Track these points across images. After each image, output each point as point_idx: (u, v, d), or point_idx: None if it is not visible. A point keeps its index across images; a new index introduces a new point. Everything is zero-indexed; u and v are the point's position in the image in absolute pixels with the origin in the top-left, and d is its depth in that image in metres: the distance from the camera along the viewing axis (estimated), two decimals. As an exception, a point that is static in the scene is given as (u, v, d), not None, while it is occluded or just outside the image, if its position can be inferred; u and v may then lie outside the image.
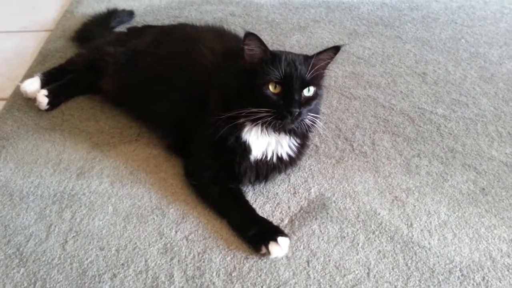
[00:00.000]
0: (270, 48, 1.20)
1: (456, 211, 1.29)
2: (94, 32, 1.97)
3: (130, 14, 2.23)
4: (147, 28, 1.86)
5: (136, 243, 1.18)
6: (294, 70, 1.16)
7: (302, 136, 1.31)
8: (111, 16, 2.12)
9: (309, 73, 1.16)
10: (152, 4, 2.41)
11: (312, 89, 1.19)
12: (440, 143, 1.52)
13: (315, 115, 1.22)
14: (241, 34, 1.95)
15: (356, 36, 2.15)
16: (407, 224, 1.24)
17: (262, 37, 1.90)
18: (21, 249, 1.17)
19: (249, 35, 1.15)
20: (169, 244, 1.18)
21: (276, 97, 1.16)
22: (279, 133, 1.24)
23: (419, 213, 1.28)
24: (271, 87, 1.16)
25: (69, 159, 1.45)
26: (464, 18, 2.31)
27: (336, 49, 1.20)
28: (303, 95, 1.18)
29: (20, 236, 1.20)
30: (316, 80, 1.20)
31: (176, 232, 1.21)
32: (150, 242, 1.18)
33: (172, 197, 1.31)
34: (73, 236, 1.20)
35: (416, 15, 2.33)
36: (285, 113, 1.15)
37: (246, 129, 1.24)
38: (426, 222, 1.25)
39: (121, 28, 2.09)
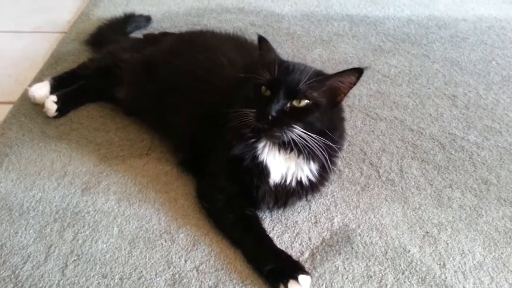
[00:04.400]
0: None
1: (493, 252, 1.17)
2: (109, 36, 1.90)
3: (147, 19, 2.17)
4: (164, 35, 1.79)
5: (142, 271, 1.08)
6: (286, 77, 1.08)
7: (324, 161, 1.19)
8: (128, 20, 2.05)
9: (304, 84, 1.06)
10: (170, 10, 2.34)
11: (304, 101, 1.07)
12: (473, 173, 1.41)
13: (310, 133, 1.07)
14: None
15: (382, 53, 2.04)
16: (440, 264, 1.13)
17: (283, 50, 1.83)
18: (16, 272, 1.07)
19: (262, 39, 1.17)
20: (177, 275, 1.07)
21: (264, 100, 1.07)
22: (266, 140, 1.14)
23: (452, 252, 1.16)
24: (263, 90, 1.09)
25: (75, 172, 1.36)
26: (494, 39, 2.20)
27: (358, 72, 1.09)
28: (290, 104, 1.07)
29: (17, 257, 1.11)
30: (316, 94, 1.08)
31: (185, 261, 1.11)
32: (157, 271, 1.08)
33: (183, 220, 1.21)
34: (74, 260, 1.11)
35: (444, 33, 2.23)
36: (261, 115, 1.06)
37: (261, 147, 1.14)
38: (460, 262, 1.14)
39: (138, 34, 2.02)
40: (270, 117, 1.05)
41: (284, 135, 1.07)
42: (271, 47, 1.20)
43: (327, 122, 1.11)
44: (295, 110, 1.08)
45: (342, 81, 1.10)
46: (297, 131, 1.06)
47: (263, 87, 1.10)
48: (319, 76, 1.10)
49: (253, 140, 1.13)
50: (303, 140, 1.07)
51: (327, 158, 1.13)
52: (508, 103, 1.74)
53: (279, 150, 1.14)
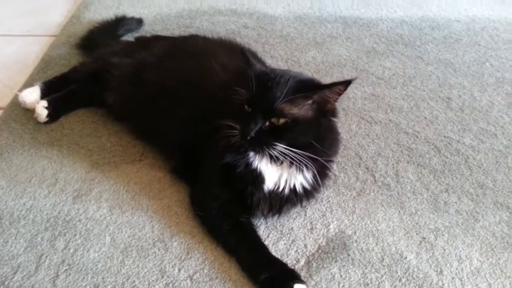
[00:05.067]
0: (285, 64, 1.11)
1: (490, 257, 1.16)
2: (100, 39, 1.88)
3: (139, 22, 2.14)
4: (156, 38, 1.76)
5: (134, 281, 1.06)
6: (263, 95, 1.05)
7: (319, 169, 1.17)
8: (119, 23, 2.02)
9: (281, 101, 1.03)
10: (162, 12, 2.31)
11: (282, 120, 1.05)
12: (469, 177, 1.40)
13: (293, 149, 1.05)
14: (255, 48, 1.88)
15: (375, 55, 2.03)
16: (437, 271, 1.11)
17: (276, 52, 1.80)
18: (6, 282, 1.05)
19: (242, 51, 1.18)
20: (171, 285, 1.06)
21: (246, 117, 1.06)
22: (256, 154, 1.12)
23: (449, 258, 1.15)
24: (246, 107, 1.07)
25: (66, 179, 1.33)
26: (487, 40, 2.20)
27: (347, 83, 1.05)
28: (269, 123, 1.05)
29: (6, 267, 1.09)
30: (296, 110, 1.05)
31: (179, 270, 1.09)
32: (150, 281, 1.06)
33: (176, 228, 1.20)
34: (65, 269, 1.08)
35: (438, 35, 2.22)
36: (243, 134, 1.05)
37: (252, 155, 1.12)
38: (457, 269, 1.13)
39: (129, 37, 1.99)
40: (248, 138, 1.04)
41: (267, 152, 1.06)
42: (246, 57, 1.16)
43: (313, 134, 1.08)
44: (275, 128, 1.05)
45: (331, 92, 1.06)
46: (279, 148, 1.05)
47: (245, 105, 1.08)
48: (306, 87, 1.07)
49: (243, 149, 1.12)
50: (287, 155, 1.06)
51: (315, 168, 1.12)
52: (503, 105, 1.73)
53: (270, 161, 1.12)
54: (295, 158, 1.07)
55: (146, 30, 2.11)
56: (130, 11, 2.25)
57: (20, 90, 1.62)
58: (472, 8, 2.48)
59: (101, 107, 1.59)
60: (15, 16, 2.33)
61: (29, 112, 1.57)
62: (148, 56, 1.52)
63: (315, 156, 1.09)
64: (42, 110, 1.52)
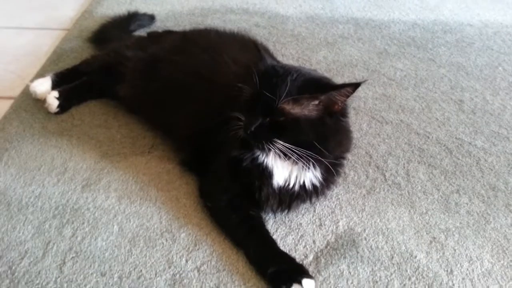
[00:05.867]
0: (296, 63, 1.11)
1: (501, 259, 1.14)
2: (112, 34, 1.88)
3: (151, 18, 2.15)
4: (168, 33, 1.76)
5: (141, 270, 1.05)
6: (267, 91, 1.02)
7: (329, 166, 1.15)
8: (131, 19, 2.03)
9: (283, 100, 1.01)
10: (174, 9, 2.32)
11: (283, 118, 1.03)
12: (480, 179, 1.38)
13: (293, 146, 1.04)
14: (265, 46, 1.87)
15: (387, 56, 2.02)
16: (447, 271, 1.10)
17: (287, 51, 1.80)
18: (13, 267, 1.05)
19: (254, 44, 1.18)
20: (178, 275, 1.05)
21: (250, 111, 1.06)
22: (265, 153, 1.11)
23: (459, 258, 1.13)
24: (250, 101, 1.08)
25: (75, 168, 1.33)
26: (500, 44, 2.18)
27: (356, 85, 1.03)
28: (270, 119, 1.04)
29: (14, 252, 1.08)
30: (298, 110, 1.03)
31: (186, 261, 1.08)
32: (157, 271, 1.05)
33: (184, 220, 1.19)
34: (73, 257, 1.08)
35: (450, 38, 2.21)
36: (245, 127, 1.05)
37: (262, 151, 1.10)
38: (468, 269, 1.11)
39: (141, 32, 2.00)
40: (249, 132, 1.04)
41: (267, 148, 1.05)
42: (259, 50, 1.16)
43: (316, 135, 1.06)
44: (276, 124, 1.04)
45: (339, 94, 1.04)
46: (279, 145, 1.04)
47: (250, 100, 1.07)
48: (313, 87, 1.04)
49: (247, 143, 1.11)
50: (288, 153, 1.05)
51: (323, 167, 1.12)
52: (515, 109, 1.72)
53: (276, 157, 1.11)
54: (298, 156, 1.06)
55: (158, 26, 2.11)
56: (143, 8, 2.25)
57: (32, 81, 1.62)
58: (485, 13, 2.47)
59: (112, 99, 1.59)
60: (28, 9, 2.34)
61: (40, 102, 1.58)
62: (161, 50, 1.52)
63: (316, 156, 1.07)
64: (53, 100, 1.52)
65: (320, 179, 1.16)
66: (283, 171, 1.13)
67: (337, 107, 1.08)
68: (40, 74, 1.73)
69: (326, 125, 1.08)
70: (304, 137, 1.05)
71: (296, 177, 1.14)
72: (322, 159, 1.09)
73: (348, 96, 1.05)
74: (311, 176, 1.15)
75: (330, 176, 1.19)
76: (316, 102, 1.05)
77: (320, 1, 2.50)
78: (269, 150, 1.07)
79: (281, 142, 1.04)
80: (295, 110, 1.03)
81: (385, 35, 2.20)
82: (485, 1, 2.60)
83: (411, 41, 2.16)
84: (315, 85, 1.06)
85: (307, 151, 1.05)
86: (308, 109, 1.04)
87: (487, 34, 2.27)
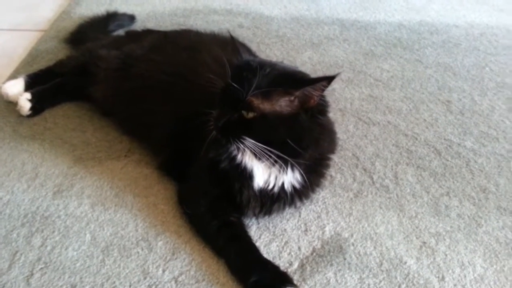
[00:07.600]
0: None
1: (494, 264, 1.10)
2: (89, 34, 1.82)
3: (131, 18, 2.09)
4: (148, 32, 1.70)
5: (115, 282, 0.99)
6: (236, 85, 0.97)
7: (311, 167, 1.11)
8: (110, 19, 1.97)
9: (251, 94, 0.96)
10: (156, 10, 2.26)
11: (251, 113, 0.98)
12: (470, 181, 1.34)
13: (262, 144, 0.98)
14: (249, 47, 1.82)
15: (373, 57, 1.98)
16: (438, 277, 1.05)
17: (272, 52, 1.75)
18: (-25, 281, 0.97)
19: (231, 38, 1.15)
20: (154, 287, 0.98)
21: (220, 106, 1.02)
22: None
23: (451, 263, 1.09)
24: (220, 96, 1.03)
25: (47, 173, 1.26)
26: (487, 45, 2.16)
27: (330, 78, 0.97)
28: (238, 115, 0.99)
29: (-23, 264, 1.01)
30: (267, 106, 0.98)
31: (163, 271, 1.02)
32: (132, 282, 0.99)
33: (162, 227, 1.12)
34: (41, 268, 1.01)
35: (436, 39, 2.18)
36: (213, 122, 1.01)
37: (234, 149, 1.05)
38: (460, 275, 1.06)
39: (120, 33, 1.93)
40: (218, 128, 0.99)
41: (235, 145, 1.00)
42: (234, 43, 1.14)
43: (288, 132, 1.00)
44: (244, 120, 0.98)
45: (313, 89, 0.98)
46: (247, 143, 0.99)
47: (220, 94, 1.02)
48: (287, 82, 0.99)
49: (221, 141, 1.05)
50: (259, 152, 0.99)
51: (302, 168, 1.06)
52: (503, 110, 1.68)
53: (253, 157, 1.05)
54: (271, 156, 1.00)
55: (139, 27, 2.05)
56: (123, 8, 2.19)
57: (3, 83, 1.55)
58: (471, 14, 2.45)
59: (87, 101, 1.52)
60: (5, 11, 2.26)
61: (12, 105, 1.51)
62: (137, 49, 1.46)
63: (291, 156, 1.02)
64: (25, 102, 1.45)
65: (301, 180, 1.10)
66: (263, 172, 1.08)
67: (313, 101, 1.01)
68: (13, 76, 1.66)
69: (300, 122, 1.02)
70: (275, 135, 1.00)
71: (276, 178, 1.09)
72: (300, 160, 1.04)
73: (323, 90, 0.99)
74: (290, 177, 1.09)
75: (313, 178, 1.14)
76: (291, 98, 0.99)
77: (305, 2, 2.46)
78: (238, 148, 1.01)
79: (251, 140, 0.98)
80: (265, 105, 0.98)
81: (371, 36, 2.16)
82: (471, 2, 2.58)
83: (397, 42, 2.12)
84: (289, 80, 1.00)
85: (279, 151, 1.00)
86: (279, 105, 0.99)
87: (473, 35, 2.25)
